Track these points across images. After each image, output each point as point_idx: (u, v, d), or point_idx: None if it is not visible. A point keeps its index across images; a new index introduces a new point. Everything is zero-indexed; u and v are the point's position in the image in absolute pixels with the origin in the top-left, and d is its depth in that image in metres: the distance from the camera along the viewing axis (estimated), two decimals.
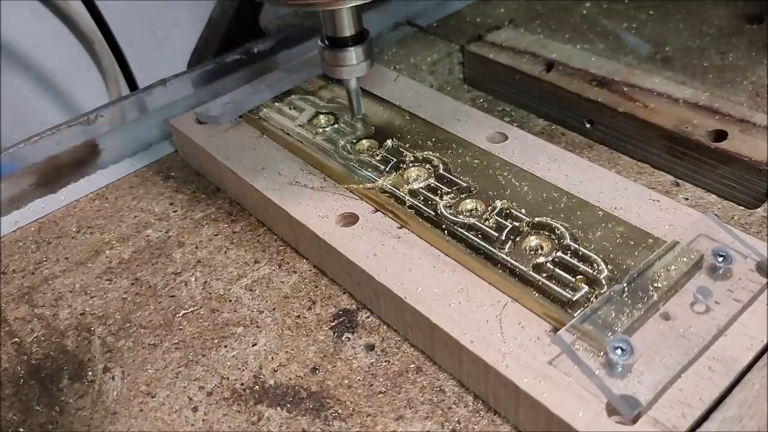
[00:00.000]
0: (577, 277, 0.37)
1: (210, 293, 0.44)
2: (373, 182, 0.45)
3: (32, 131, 0.55)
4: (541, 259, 0.38)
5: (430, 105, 0.53)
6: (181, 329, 0.42)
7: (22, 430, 0.38)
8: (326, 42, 0.47)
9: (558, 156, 0.46)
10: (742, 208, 0.46)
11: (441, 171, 0.45)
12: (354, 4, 0.43)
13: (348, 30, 0.46)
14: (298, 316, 0.42)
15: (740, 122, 0.49)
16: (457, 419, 0.35)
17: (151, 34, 0.93)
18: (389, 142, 0.48)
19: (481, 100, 0.61)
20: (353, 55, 0.47)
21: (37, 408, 0.39)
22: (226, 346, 0.41)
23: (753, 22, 0.64)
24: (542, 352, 0.34)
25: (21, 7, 0.84)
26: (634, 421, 0.31)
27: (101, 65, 0.90)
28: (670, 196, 0.44)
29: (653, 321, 0.34)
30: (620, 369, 0.32)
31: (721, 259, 0.36)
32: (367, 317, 0.42)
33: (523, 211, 0.41)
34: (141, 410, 0.38)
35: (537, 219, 0.40)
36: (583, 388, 0.32)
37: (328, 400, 0.37)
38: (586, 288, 0.36)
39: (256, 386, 0.38)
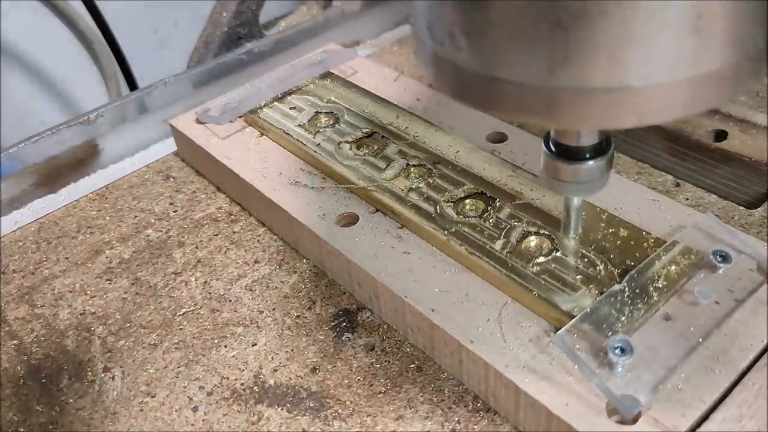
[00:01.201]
0: (577, 277, 0.37)
1: (210, 293, 0.44)
2: (374, 182, 0.45)
3: (32, 131, 0.55)
4: (541, 259, 0.38)
5: (430, 105, 0.53)
6: (181, 329, 0.42)
7: (22, 430, 0.38)
8: (552, 147, 0.34)
9: None
10: (742, 208, 0.46)
11: (441, 171, 0.45)
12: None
13: (589, 138, 0.33)
14: (298, 316, 0.42)
15: (740, 122, 0.49)
16: (457, 419, 0.35)
17: (151, 34, 0.93)
18: (389, 142, 0.48)
19: None
20: (591, 170, 0.33)
21: (37, 408, 0.39)
22: (226, 346, 0.41)
23: None
24: (542, 352, 0.34)
25: (21, 7, 0.84)
26: (634, 421, 0.31)
27: (101, 65, 0.90)
28: (670, 196, 0.44)
29: (653, 321, 0.34)
30: (620, 369, 0.32)
31: (721, 259, 0.36)
32: (367, 317, 0.42)
33: (522, 211, 0.41)
34: (141, 410, 0.38)
35: (537, 219, 0.41)
36: (583, 388, 0.32)
37: (328, 400, 0.37)
38: (586, 288, 0.36)
39: (256, 386, 0.38)
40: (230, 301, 0.44)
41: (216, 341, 0.41)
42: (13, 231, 0.52)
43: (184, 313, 0.43)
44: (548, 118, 0.27)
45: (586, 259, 0.38)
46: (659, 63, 0.24)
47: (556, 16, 0.23)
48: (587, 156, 0.33)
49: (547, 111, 0.26)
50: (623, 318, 0.34)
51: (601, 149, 0.33)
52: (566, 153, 0.33)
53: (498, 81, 0.26)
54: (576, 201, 0.37)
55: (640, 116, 0.25)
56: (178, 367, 0.40)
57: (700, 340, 0.33)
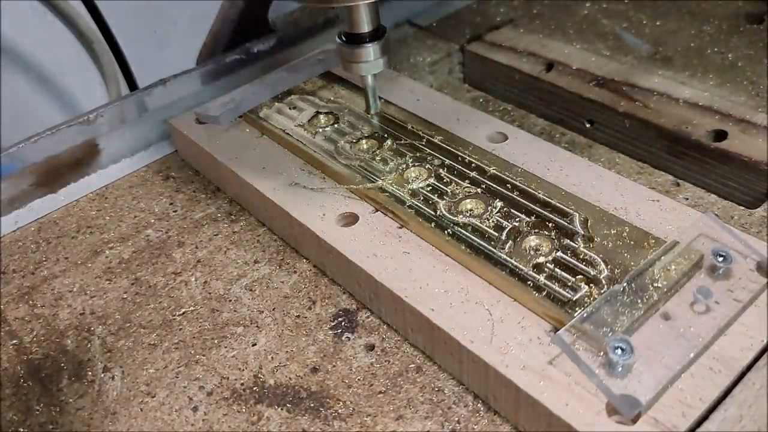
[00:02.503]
0: (577, 277, 0.37)
1: (210, 293, 0.44)
2: (373, 182, 0.45)
3: (32, 131, 0.55)
4: (541, 259, 0.38)
5: (430, 105, 0.53)
6: (181, 329, 0.42)
7: (22, 430, 0.38)
8: (343, 38, 0.47)
9: (558, 156, 0.46)
10: (742, 208, 0.46)
11: (441, 171, 0.45)
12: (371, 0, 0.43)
13: (366, 26, 0.46)
14: (298, 316, 0.42)
15: (740, 122, 0.49)
16: (457, 419, 0.35)
17: (151, 34, 0.93)
18: (389, 142, 0.48)
19: (481, 100, 0.61)
20: (370, 51, 0.47)
21: (37, 408, 0.39)
22: (226, 346, 0.41)
23: (753, 22, 0.65)
24: (542, 352, 0.34)
25: (21, 7, 0.84)
26: (634, 421, 0.31)
27: (101, 65, 0.90)
28: (670, 196, 0.44)
29: (653, 321, 0.34)
30: (620, 369, 0.32)
31: (721, 259, 0.36)
32: (367, 317, 0.42)
33: (523, 211, 0.41)
34: (141, 410, 0.38)
35: (537, 219, 0.41)
36: (583, 388, 0.32)
37: (328, 400, 0.37)
38: (586, 288, 0.36)
39: (256, 386, 0.38)
40: (230, 301, 0.44)
41: (216, 341, 0.41)
42: (13, 231, 0.52)
43: (184, 313, 0.43)
44: None
45: (586, 259, 0.38)
46: None
47: None
48: (367, 40, 0.47)
49: None
50: (623, 318, 0.34)
51: (377, 35, 0.47)
52: (352, 39, 0.47)
53: None
54: (370, 80, 0.50)
55: None
56: (178, 367, 0.40)
57: (700, 340, 0.33)
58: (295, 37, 0.67)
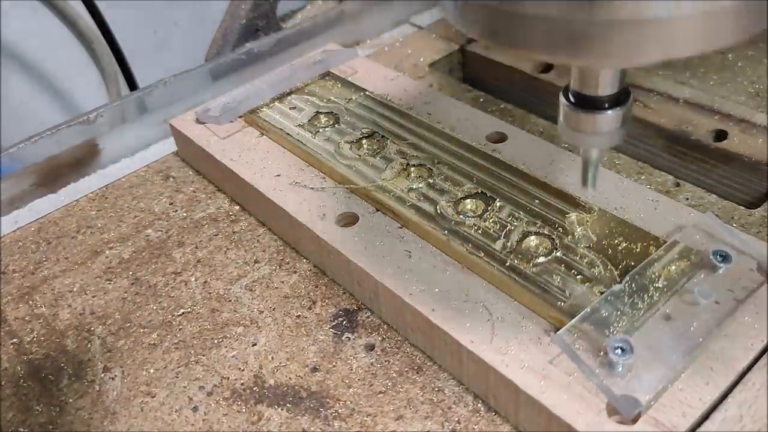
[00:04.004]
0: (577, 277, 0.37)
1: (210, 293, 0.44)
2: (373, 182, 0.45)
3: (32, 131, 0.55)
4: (541, 259, 0.38)
5: (430, 105, 0.53)
6: (181, 329, 0.42)
7: (22, 430, 0.38)
8: (571, 98, 0.34)
9: (558, 156, 0.46)
10: (742, 208, 0.46)
11: (441, 171, 0.45)
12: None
13: (608, 87, 0.33)
14: (298, 316, 0.42)
15: (740, 122, 0.49)
16: (457, 419, 0.35)
17: (151, 34, 0.93)
18: (389, 142, 0.48)
19: (482, 100, 0.61)
20: (610, 119, 0.33)
21: (37, 408, 0.39)
22: (226, 346, 0.41)
23: None
24: (542, 352, 0.34)
25: (21, 7, 0.84)
26: (634, 421, 0.31)
27: (101, 65, 0.90)
28: (670, 196, 0.44)
29: (653, 321, 0.34)
30: (620, 369, 0.32)
31: (721, 259, 0.36)
32: (367, 317, 0.42)
33: (523, 211, 0.41)
34: (141, 410, 0.38)
35: (537, 218, 0.41)
36: (583, 388, 0.32)
37: (328, 400, 0.37)
38: (586, 288, 0.36)
39: (256, 386, 0.38)
40: (230, 301, 0.44)
41: (216, 341, 0.41)
42: (13, 231, 0.52)
43: (184, 313, 0.43)
44: (575, 54, 0.26)
45: (586, 259, 0.38)
46: None
47: None
48: (606, 106, 0.33)
49: (574, 46, 0.26)
50: (623, 318, 0.34)
51: (619, 99, 0.33)
52: (586, 102, 0.33)
53: (523, 16, 0.26)
54: (595, 153, 0.36)
55: (666, 50, 0.25)
56: (178, 367, 0.40)
57: (700, 340, 0.33)
58: (295, 37, 0.67)
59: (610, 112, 0.33)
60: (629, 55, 0.26)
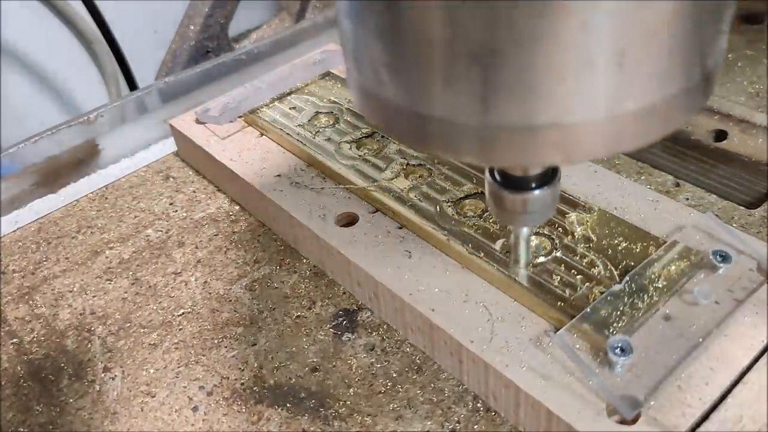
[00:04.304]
0: (577, 277, 0.37)
1: (210, 293, 0.44)
2: (374, 182, 0.45)
3: (32, 131, 0.55)
4: (542, 259, 0.38)
5: None
6: (181, 329, 0.42)
7: (22, 430, 0.38)
8: (497, 177, 0.32)
9: None
10: (742, 208, 0.46)
11: (441, 171, 0.45)
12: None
13: (535, 168, 0.31)
14: (298, 316, 0.42)
15: (740, 122, 0.49)
16: (457, 419, 0.35)
17: (151, 34, 0.93)
18: (389, 142, 0.48)
19: None
20: (536, 200, 0.32)
21: (37, 408, 0.39)
22: (226, 346, 0.41)
23: (752, 23, 0.64)
24: (542, 352, 0.34)
25: (21, 7, 0.84)
26: (634, 421, 0.31)
27: (101, 65, 0.90)
28: (670, 196, 0.44)
29: (653, 321, 0.34)
30: (620, 369, 0.32)
31: (721, 259, 0.36)
32: (367, 317, 0.42)
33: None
34: (141, 410, 0.38)
35: None
36: (583, 388, 0.32)
37: (328, 400, 0.37)
38: (586, 288, 0.36)
39: (256, 386, 0.38)
40: (230, 301, 0.44)
41: (216, 341, 0.41)
42: (13, 231, 0.52)
43: (183, 313, 0.43)
44: (478, 157, 0.25)
45: (586, 259, 0.38)
46: (584, 100, 0.22)
47: (472, 52, 0.22)
48: (533, 186, 0.31)
49: (476, 149, 0.25)
50: (623, 318, 0.34)
51: (547, 177, 0.32)
52: (513, 183, 0.32)
53: (423, 117, 0.25)
54: (525, 231, 0.36)
55: (567, 155, 0.24)
56: (178, 367, 0.40)
57: (700, 340, 0.33)
58: (295, 38, 0.67)
59: (537, 192, 0.31)
60: (529, 159, 0.24)
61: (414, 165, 0.46)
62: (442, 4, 0.22)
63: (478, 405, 0.36)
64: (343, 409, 0.37)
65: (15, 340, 0.43)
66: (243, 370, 0.39)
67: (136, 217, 0.52)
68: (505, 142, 0.24)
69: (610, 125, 0.23)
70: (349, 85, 0.29)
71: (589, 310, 0.34)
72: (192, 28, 0.71)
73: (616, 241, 0.39)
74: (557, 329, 0.34)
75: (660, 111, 0.24)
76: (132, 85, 0.85)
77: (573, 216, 0.40)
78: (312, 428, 0.36)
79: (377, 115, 0.27)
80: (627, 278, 0.36)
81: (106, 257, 0.48)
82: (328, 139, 0.50)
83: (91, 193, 0.55)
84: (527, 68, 0.22)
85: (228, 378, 0.39)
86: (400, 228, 0.43)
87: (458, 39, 0.22)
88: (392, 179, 0.45)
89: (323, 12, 0.69)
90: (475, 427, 0.35)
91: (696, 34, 0.23)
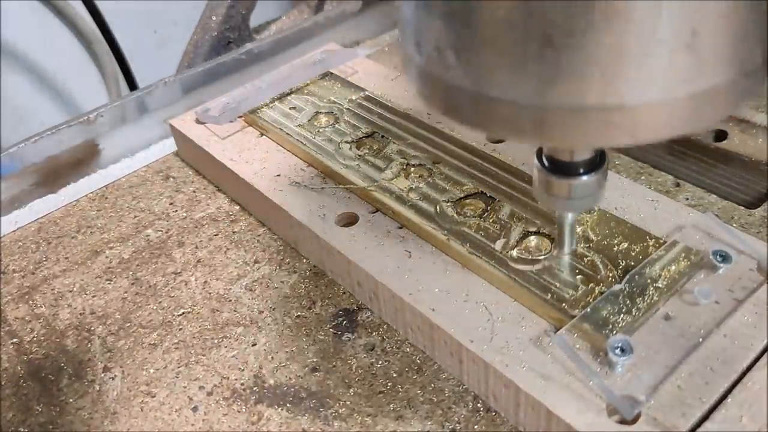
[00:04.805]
0: (577, 277, 0.37)
1: (210, 293, 0.44)
2: (374, 182, 0.45)
3: (32, 131, 0.55)
4: (542, 259, 0.38)
5: None
6: (181, 329, 0.42)
7: (22, 429, 0.38)
8: (545, 162, 0.33)
9: None
10: (742, 208, 0.46)
11: (441, 171, 0.45)
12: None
13: (583, 152, 0.32)
14: (298, 316, 0.42)
15: (740, 122, 0.49)
16: (457, 419, 0.35)
17: (151, 34, 0.93)
18: (389, 142, 0.48)
19: None
20: (583, 186, 0.32)
21: (37, 408, 0.39)
22: (226, 346, 0.41)
23: None
24: (542, 352, 0.34)
25: (21, 7, 0.84)
26: (634, 421, 0.31)
27: (101, 65, 0.91)
28: (670, 196, 0.44)
29: (653, 321, 0.34)
30: (620, 369, 0.32)
31: (721, 259, 0.36)
32: (367, 317, 0.42)
33: (523, 210, 0.41)
34: (141, 410, 0.38)
35: (537, 218, 0.41)
36: (583, 388, 0.32)
37: (328, 400, 0.37)
38: (586, 288, 0.36)
39: (256, 386, 0.38)
40: (230, 301, 0.44)
41: (216, 341, 0.41)
42: (13, 231, 0.52)
43: (184, 313, 0.43)
44: (540, 138, 0.26)
45: (586, 259, 0.38)
46: (653, 81, 0.23)
47: (546, 34, 0.23)
48: (581, 171, 0.32)
49: (539, 130, 0.25)
50: (623, 318, 0.34)
51: (595, 164, 0.32)
52: (560, 168, 0.32)
53: (488, 99, 0.25)
54: (570, 216, 0.36)
55: (634, 135, 0.24)
56: (178, 367, 0.40)
57: (700, 340, 0.33)
58: (295, 38, 0.67)
59: (584, 177, 0.32)
60: (595, 140, 0.25)
61: (414, 165, 0.46)
62: None
63: (478, 405, 0.36)
64: (343, 409, 0.37)
65: (15, 340, 0.43)
66: (243, 370, 0.39)
67: (136, 217, 0.52)
68: (573, 124, 0.24)
69: (676, 106, 0.24)
70: (407, 70, 0.29)
71: (589, 310, 0.34)
72: (214, 19, 0.70)
73: (616, 241, 0.39)
74: (557, 329, 0.34)
75: (724, 92, 0.24)
76: (132, 85, 0.85)
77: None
78: (312, 428, 0.36)
79: (439, 100, 0.28)
80: (627, 278, 0.36)
81: (106, 257, 0.48)
82: (328, 139, 0.50)
83: (91, 193, 0.55)
84: (599, 51, 0.23)
85: (228, 378, 0.39)
86: (400, 228, 0.43)
87: (533, 21, 0.23)
88: (392, 179, 0.45)
89: (341, 4, 0.68)
90: (476, 427, 0.35)
91: (758, 17, 0.24)
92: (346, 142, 0.49)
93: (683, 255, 0.37)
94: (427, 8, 0.25)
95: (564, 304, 0.35)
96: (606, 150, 0.33)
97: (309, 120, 0.52)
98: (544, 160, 0.33)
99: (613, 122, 0.24)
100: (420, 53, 0.27)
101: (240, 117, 0.54)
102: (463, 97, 0.26)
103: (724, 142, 0.47)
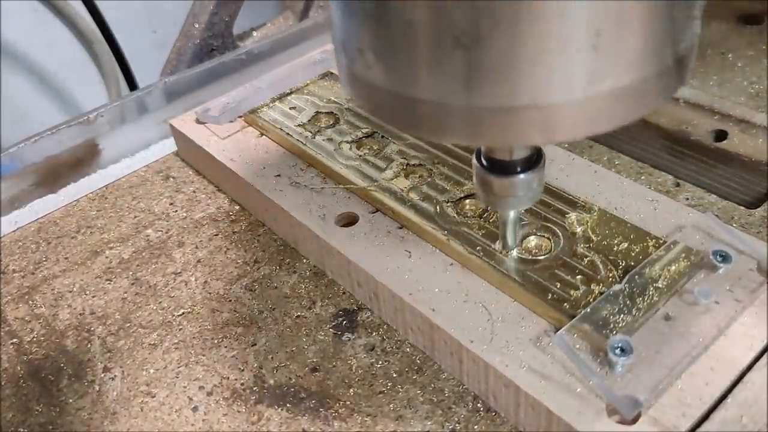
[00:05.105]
0: (577, 277, 0.37)
1: (210, 293, 0.44)
2: (373, 182, 0.45)
3: (32, 131, 0.55)
4: (542, 259, 0.38)
5: None
6: (181, 329, 0.42)
7: (22, 430, 0.38)
8: (483, 162, 0.33)
9: (558, 156, 0.46)
10: (742, 208, 0.46)
11: (441, 171, 0.45)
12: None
13: (520, 151, 0.33)
14: (298, 316, 0.42)
15: (740, 122, 0.49)
16: (457, 419, 0.35)
17: (151, 34, 0.93)
18: (389, 142, 0.48)
19: None
20: (522, 183, 0.33)
21: (37, 408, 0.39)
22: (226, 346, 0.41)
23: (752, 23, 0.64)
24: (542, 352, 0.34)
25: (21, 7, 0.84)
26: (634, 421, 0.31)
27: (101, 65, 0.91)
28: (670, 196, 0.44)
29: (653, 321, 0.34)
30: (620, 369, 0.32)
31: (721, 259, 0.36)
32: (367, 317, 0.42)
33: (522, 211, 0.41)
34: (141, 410, 0.38)
35: (537, 219, 0.41)
36: (584, 388, 0.32)
37: (328, 400, 0.37)
38: (586, 288, 0.36)
39: (256, 386, 0.38)
40: (230, 301, 0.44)
41: (216, 341, 0.41)
42: (13, 231, 0.52)
43: (184, 313, 0.43)
44: (464, 138, 0.26)
45: (586, 259, 0.38)
46: (560, 81, 0.23)
47: (454, 35, 0.23)
48: (519, 169, 0.33)
49: (462, 130, 0.26)
50: (623, 318, 0.34)
51: (532, 162, 0.33)
52: (498, 167, 0.33)
53: (411, 100, 0.26)
54: (512, 214, 0.37)
55: (548, 134, 0.25)
56: (178, 367, 0.40)
57: (700, 340, 0.33)
58: (295, 38, 0.67)
59: (522, 175, 0.33)
60: (513, 138, 0.26)
61: (414, 165, 0.46)
62: None
63: (478, 405, 0.36)
64: (343, 409, 0.37)
65: (15, 340, 0.43)
66: (243, 370, 0.39)
67: (136, 217, 0.52)
68: (488, 123, 0.25)
69: (586, 106, 0.24)
70: (339, 71, 0.30)
71: (589, 310, 0.34)
72: (197, 26, 0.70)
73: (616, 241, 0.39)
74: (557, 329, 0.34)
75: (634, 92, 0.25)
76: (132, 85, 0.85)
77: (573, 216, 0.40)
78: (312, 428, 0.36)
79: (366, 100, 0.28)
80: (627, 278, 0.36)
81: (106, 257, 0.48)
82: (328, 139, 0.50)
83: (91, 193, 0.55)
84: (507, 51, 0.23)
85: (228, 378, 0.39)
86: (400, 228, 0.43)
87: (441, 22, 0.23)
88: (392, 179, 0.45)
89: (327, 11, 0.69)
90: (476, 427, 0.35)
91: (667, 17, 0.24)
92: (346, 142, 0.49)
93: (683, 255, 0.37)
94: (347, 10, 0.26)
95: (564, 304, 0.35)
96: (542, 150, 0.34)
97: (309, 120, 0.52)
98: (483, 159, 0.34)
99: (525, 121, 0.25)
100: (346, 55, 0.28)
101: (240, 117, 0.54)
102: (389, 98, 0.26)
103: (724, 142, 0.47)
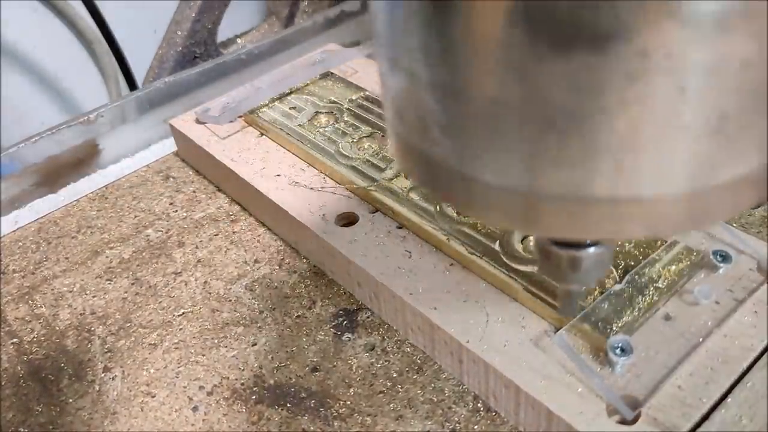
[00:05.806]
0: None
1: (210, 293, 0.44)
2: (373, 182, 0.45)
3: (32, 131, 0.55)
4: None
5: None
6: (181, 329, 0.42)
7: (22, 430, 0.38)
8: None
9: None
10: None
11: None
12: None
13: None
14: (298, 316, 0.42)
15: None
16: (457, 419, 0.35)
17: (151, 34, 0.93)
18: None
19: None
20: (589, 258, 0.27)
21: (37, 408, 0.39)
22: (226, 346, 0.41)
23: None
24: (542, 352, 0.34)
25: (21, 7, 0.84)
26: (634, 421, 0.31)
27: (101, 65, 0.90)
28: None
29: (653, 321, 0.34)
30: (620, 369, 0.32)
31: (721, 259, 0.36)
32: (367, 317, 0.42)
33: None
34: (141, 410, 0.38)
35: None
36: (583, 388, 0.32)
37: (328, 400, 0.37)
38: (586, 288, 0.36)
39: (256, 386, 0.38)
40: (230, 301, 0.44)
41: (216, 341, 0.41)
42: (13, 231, 0.52)
43: (184, 313, 0.43)
44: (537, 228, 0.23)
45: None
46: (674, 170, 0.20)
47: (549, 116, 0.19)
48: (588, 243, 0.27)
49: (536, 220, 0.22)
50: (623, 318, 0.34)
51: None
52: (565, 241, 0.27)
53: (476, 181, 0.22)
54: (576, 288, 0.31)
55: (650, 229, 0.21)
56: (178, 367, 0.40)
57: (700, 340, 0.33)
58: (294, 38, 0.67)
59: (591, 249, 0.27)
60: (602, 232, 0.22)
61: None
62: (516, 62, 0.19)
63: (479, 405, 0.36)
64: (344, 409, 0.37)
65: (15, 340, 0.43)
66: (243, 370, 0.39)
67: (136, 217, 0.52)
68: (585, 215, 0.21)
69: (698, 197, 0.21)
70: (388, 133, 0.26)
71: (589, 310, 0.34)
72: (179, 33, 0.70)
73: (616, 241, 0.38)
74: (557, 329, 0.34)
75: (757, 179, 0.21)
76: (132, 85, 0.84)
77: None
78: (312, 428, 0.36)
79: (420, 173, 0.25)
80: (627, 278, 0.36)
81: (106, 257, 0.48)
82: (328, 139, 0.50)
83: (91, 193, 0.55)
84: (612, 136, 0.19)
85: (228, 378, 0.39)
86: (400, 228, 0.43)
87: (533, 101, 0.20)
88: (392, 179, 0.45)
89: (312, 17, 0.69)
90: (475, 427, 0.35)
91: None
92: (346, 142, 0.49)
93: (683, 255, 0.37)
94: (411, 76, 0.22)
95: None
96: None
97: (309, 120, 0.52)
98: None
99: (625, 214, 0.21)
100: (402, 122, 0.24)
101: (240, 117, 0.54)
102: (448, 176, 0.23)
103: None
